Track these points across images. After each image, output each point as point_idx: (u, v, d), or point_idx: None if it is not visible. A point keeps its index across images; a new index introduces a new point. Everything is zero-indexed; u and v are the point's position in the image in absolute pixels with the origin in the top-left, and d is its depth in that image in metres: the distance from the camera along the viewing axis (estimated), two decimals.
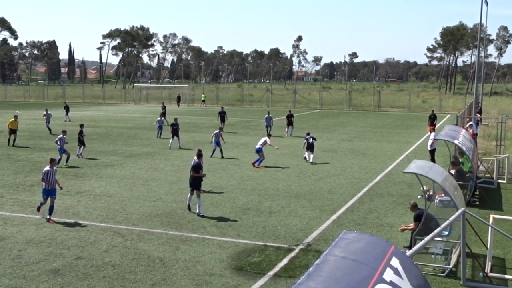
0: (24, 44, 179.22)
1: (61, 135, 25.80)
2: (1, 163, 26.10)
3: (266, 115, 38.61)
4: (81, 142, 27.78)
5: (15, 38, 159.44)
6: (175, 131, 31.84)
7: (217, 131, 28.67)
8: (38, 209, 16.61)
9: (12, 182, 21.59)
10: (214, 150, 28.00)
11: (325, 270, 5.96)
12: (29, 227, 15.39)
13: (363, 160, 27.90)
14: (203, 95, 78.24)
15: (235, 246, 13.92)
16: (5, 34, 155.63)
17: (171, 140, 31.73)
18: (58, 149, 25.56)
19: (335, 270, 6.05)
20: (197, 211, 16.72)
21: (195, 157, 18.15)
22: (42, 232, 14.94)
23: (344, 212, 17.42)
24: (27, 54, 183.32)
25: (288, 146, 32.81)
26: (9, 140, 32.03)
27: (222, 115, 41.23)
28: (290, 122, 39.18)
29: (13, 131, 32.00)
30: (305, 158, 26.96)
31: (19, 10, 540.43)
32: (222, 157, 27.64)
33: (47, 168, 16.43)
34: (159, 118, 37.11)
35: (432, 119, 38.27)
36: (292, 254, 13.33)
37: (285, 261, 12.84)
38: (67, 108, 51.08)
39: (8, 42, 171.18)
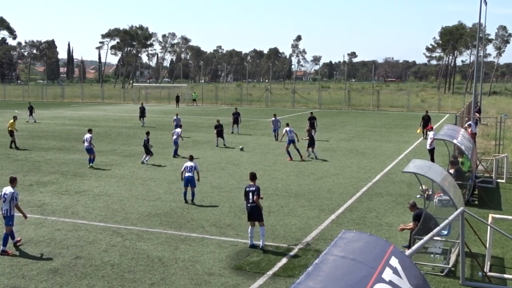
0: (23, 44, 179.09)
1: (87, 134, 25.35)
2: (0, 162, 26.08)
3: (273, 118, 36.23)
4: (147, 151, 25.92)
5: (14, 37, 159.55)
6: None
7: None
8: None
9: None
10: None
11: (324, 269, 5.96)
12: (28, 227, 15.37)
13: (362, 159, 27.91)
14: (193, 94, 77.89)
15: (234, 245, 13.93)
16: (4, 33, 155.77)
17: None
18: (86, 148, 25.12)
19: (334, 270, 6.05)
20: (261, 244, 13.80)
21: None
22: (41, 232, 14.93)
23: (343, 212, 17.42)
24: (26, 53, 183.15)
25: None
26: (11, 142, 30.98)
27: (236, 116, 39.71)
28: (312, 125, 35.56)
29: (11, 133, 31.23)
30: (312, 156, 27.75)
31: (18, 9, 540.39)
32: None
33: (7, 189, 13.60)
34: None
35: (426, 120, 36.37)
36: (291, 253, 13.34)
37: (284, 260, 12.84)
38: (31, 109, 49.33)
39: (7, 41, 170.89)
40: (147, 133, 27.10)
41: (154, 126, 43.36)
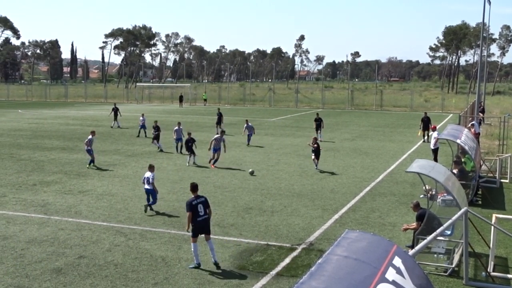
0: (27, 44, 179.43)
1: (90, 136, 25.22)
2: (4, 162, 26.14)
3: (246, 124, 33.46)
4: (190, 150, 25.56)
5: (18, 37, 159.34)
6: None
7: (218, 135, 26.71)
8: None
9: (15, 181, 21.61)
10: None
11: (327, 269, 5.95)
12: (32, 226, 15.41)
13: (365, 159, 27.88)
14: (204, 94, 78.19)
15: (237, 245, 13.93)
16: (8, 33, 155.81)
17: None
18: (86, 150, 24.96)
19: (338, 270, 6.05)
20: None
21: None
22: (44, 231, 14.96)
23: (346, 212, 17.41)
24: (29, 53, 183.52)
25: (290, 145, 32.81)
26: None
27: (219, 116, 39.17)
28: (318, 126, 35.47)
29: None
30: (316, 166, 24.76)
31: (22, 9, 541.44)
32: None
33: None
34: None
35: (426, 122, 34.81)
36: (295, 253, 13.33)
37: (287, 260, 12.84)
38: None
39: (10, 41, 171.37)
40: (189, 134, 26.54)
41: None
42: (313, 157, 24.82)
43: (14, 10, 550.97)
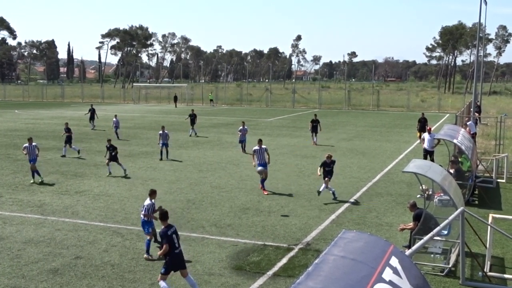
0: (23, 44, 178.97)
1: (26, 144, 22.31)
2: (0, 162, 26.08)
3: (241, 127, 30.78)
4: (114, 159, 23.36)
5: (14, 37, 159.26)
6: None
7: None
8: None
9: (11, 181, 21.56)
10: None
11: (324, 269, 5.96)
12: (28, 227, 15.38)
13: (362, 159, 27.90)
14: (210, 95, 78.13)
15: (234, 245, 13.92)
16: (4, 33, 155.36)
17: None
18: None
19: (334, 270, 6.06)
20: None
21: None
22: (41, 232, 14.93)
23: (343, 212, 17.42)
24: (26, 53, 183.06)
25: (287, 145, 32.81)
26: None
27: (193, 118, 37.60)
28: (314, 128, 33.66)
29: None
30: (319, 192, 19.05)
31: (18, 9, 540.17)
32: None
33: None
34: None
35: (423, 123, 33.94)
36: (292, 253, 13.33)
37: (284, 260, 12.84)
38: None
39: (6, 41, 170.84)
40: (109, 140, 24.52)
41: (174, 126, 43.31)
42: (321, 175, 19.26)
43: (11, 10, 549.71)
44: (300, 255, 13.25)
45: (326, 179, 18.97)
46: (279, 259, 12.92)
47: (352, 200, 19.00)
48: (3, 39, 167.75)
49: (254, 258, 12.96)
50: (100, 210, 17.33)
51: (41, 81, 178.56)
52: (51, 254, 13.21)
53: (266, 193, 19.58)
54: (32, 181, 21.39)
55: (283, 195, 19.47)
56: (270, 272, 12.06)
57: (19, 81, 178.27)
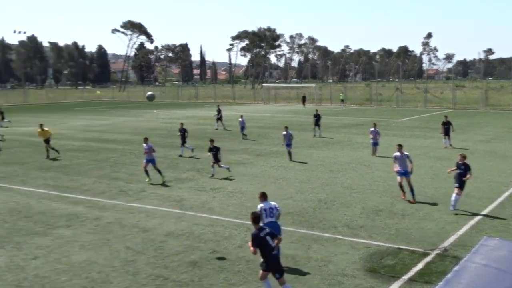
0: (159, 48, 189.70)
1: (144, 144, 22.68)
2: (141, 159, 27.69)
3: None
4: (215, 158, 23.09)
5: (151, 42, 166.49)
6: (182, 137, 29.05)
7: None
8: None
9: (152, 177, 22.70)
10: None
11: (464, 277, 5.73)
12: (169, 220, 16.28)
13: (503, 162, 26.21)
14: (341, 95, 77.89)
15: (367, 247, 13.71)
16: (142, 38, 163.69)
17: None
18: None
19: (476, 278, 5.79)
20: None
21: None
22: (180, 226, 15.74)
23: (483, 218, 16.47)
24: (162, 56, 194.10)
25: (420, 147, 31.70)
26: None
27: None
28: (447, 131, 31.60)
29: (45, 141, 29.16)
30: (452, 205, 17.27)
31: (154, 15, 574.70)
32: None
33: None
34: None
35: None
36: (428, 258, 12.86)
37: (420, 265, 12.41)
38: (2, 114, 47.46)
39: (145, 45, 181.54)
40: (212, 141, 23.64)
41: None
42: (456, 186, 17.27)
43: (147, 16, 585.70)
44: (438, 260, 12.74)
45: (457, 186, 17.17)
46: (415, 263, 12.52)
47: (493, 205, 17.93)
48: (142, 44, 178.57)
49: (388, 261, 12.68)
50: (235, 207, 17.90)
51: (176, 82, 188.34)
52: (190, 247, 13.88)
53: (413, 202, 18.17)
54: (147, 180, 22.01)
55: (417, 198, 18.80)
56: (406, 277, 11.72)
57: (157, 83, 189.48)
